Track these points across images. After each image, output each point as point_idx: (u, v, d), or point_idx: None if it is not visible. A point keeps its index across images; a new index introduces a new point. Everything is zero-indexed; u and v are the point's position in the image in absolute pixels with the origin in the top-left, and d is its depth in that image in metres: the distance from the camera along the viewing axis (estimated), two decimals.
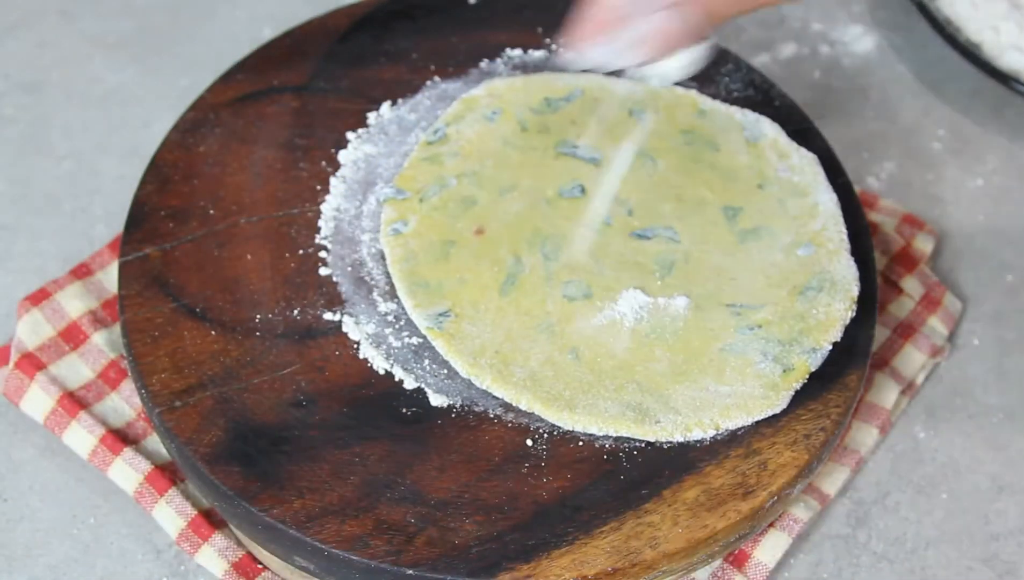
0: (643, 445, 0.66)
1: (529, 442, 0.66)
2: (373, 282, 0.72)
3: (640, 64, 0.65)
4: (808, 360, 0.68)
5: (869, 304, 0.72)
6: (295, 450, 0.65)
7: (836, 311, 0.70)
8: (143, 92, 0.93)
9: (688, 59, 0.66)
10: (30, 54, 0.95)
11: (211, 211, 0.74)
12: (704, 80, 0.82)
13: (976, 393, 0.80)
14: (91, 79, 0.93)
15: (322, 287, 0.71)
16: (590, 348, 0.68)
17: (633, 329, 0.69)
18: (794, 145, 0.78)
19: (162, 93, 0.93)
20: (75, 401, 0.74)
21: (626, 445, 0.66)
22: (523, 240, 0.72)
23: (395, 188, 0.75)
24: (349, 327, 0.70)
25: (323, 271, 0.72)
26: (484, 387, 0.67)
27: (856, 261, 0.72)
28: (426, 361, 0.69)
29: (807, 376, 0.68)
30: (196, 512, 0.70)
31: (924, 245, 0.85)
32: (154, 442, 0.74)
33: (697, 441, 0.66)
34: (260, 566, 0.70)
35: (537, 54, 0.83)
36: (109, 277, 0.79)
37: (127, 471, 0.72)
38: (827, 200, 0.75)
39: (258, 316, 0.70)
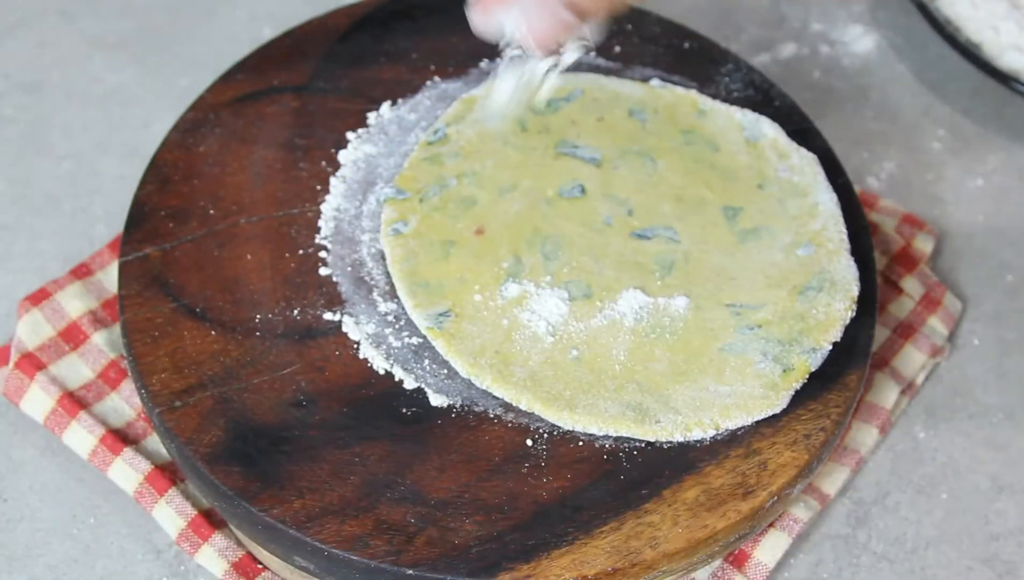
0: (643, 445, 0.66)
1: (529, 442, 0.66)
2: (373, 282, 0.72)
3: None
4: (808, 360, 0.68)
5: (869, 304, 0.72)
6: (295, 450, 0.65)
7: (836, 311, 0.70)
8: (143, 92, 0.93)
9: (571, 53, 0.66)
10: (30, 54, 0.95)
11: (211, 211, 0.74)
12: (704, 80, 0.82)
13: (976, 393, 0.80)
14: (91, 79, 0.93)
15: (322, 287, 0.71)
16: (590, 348, 0.68)
17: (633, 329, 0.69)
18: (794, 145, 0.78)
19: (162, 93, 0.92)
20: (75, 401, 0.74)
21: (626, 445, 0.66)
22: (523, 240, 0.72)
23: (395, 188, 0.75)
24: (349, 327, 0.70)
25: (323, 271, 0.72)
26: (484, 387, 0.67)
27: (856, 261, 0.72)
28: (426, 361, 0.69)
29: (807, 376, 0.68)
30: (196, 512, 0.70)
31: (924, 245, 0.85)
32: (154, 442, 0.74)
33: (697, 441, 0.66)
34: (260, 566, 0.70)
35: None
36: (109, 277, 0.79)
37: (127, 471, 0.72)
38: (827, 200, 0.75)
39: (258, 316, 0.70)
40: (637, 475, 0.65)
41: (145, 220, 0.73)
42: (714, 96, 0.81)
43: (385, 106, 0.80)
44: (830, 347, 0.69)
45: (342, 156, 0.77)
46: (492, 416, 0.67)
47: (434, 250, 0.72)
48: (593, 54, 0.83)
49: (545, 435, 0.66)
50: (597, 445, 0.66)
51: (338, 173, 0.76)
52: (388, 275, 0.72)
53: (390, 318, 0.70)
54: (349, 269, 0.72)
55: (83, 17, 0.97)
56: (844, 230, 0.74)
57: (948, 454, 0.78)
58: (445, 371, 0.68)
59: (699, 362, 0.68)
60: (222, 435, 0.65)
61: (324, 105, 0.79)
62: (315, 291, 0.71)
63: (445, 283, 0.70)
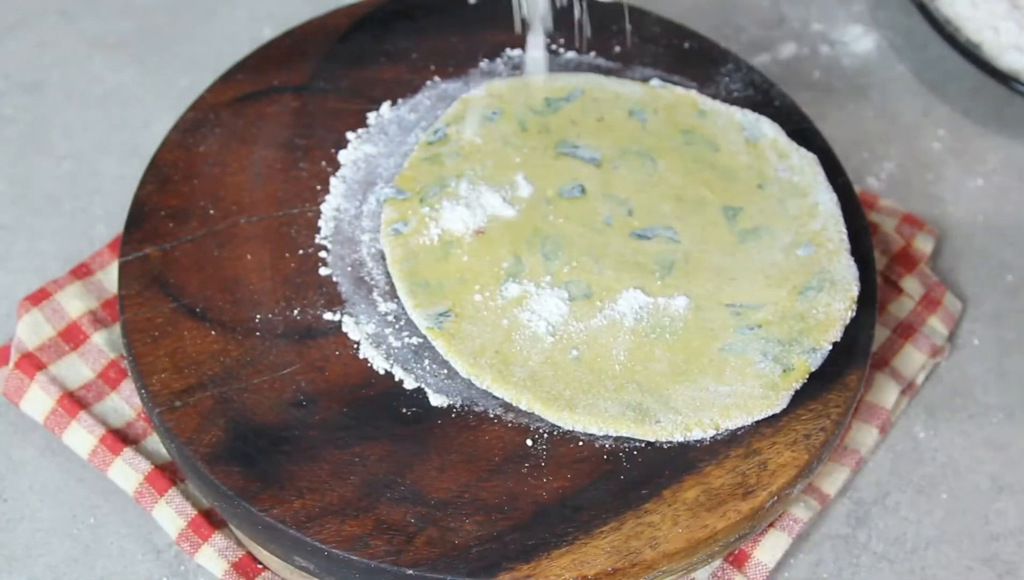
0: (643, 445, 0.66)
1: (529, 442, 0.66)
2: (373, 282, 0.72)
3: None
4: (808, 360, 0.68)
5: (869, 304, 0.72)
6: (295, 450, 0.65)
7: (836, 311, 0.70)
8: (143, 92, 0.93)
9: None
10: (30, 54, 0.95)
11: (211, 211, 0.74)
12: (704, 80, 0.82)
13: (976, 393, 0.80)
14: (91, 79, 0.93)
15: (322, 287, 0.71)
16: (590, 348, 0.68)
17: (633, 329, 0.69)
18: (794, 145, 0.78)
19: (162, 93, 0.93)
20: (75, 401, 0.74)
21: (626, 445, 0.66)
22: (523, 240, 0.72)
23: (395, 188, 0.75)
24: (349, 327, 0.70)
25: (323, 271, 0.72)
26: (484, 387, 0.67)
27: (856, 261, 0.72)
28: (426, 361, 0.69)
29: (807, 376, 0.68)
30: (196, 512, 0.70)
31: (924, 245, 0.85)
32: (154, 442, 0.74)
33: (697, 441, 0.66)
34: (260, 566, 0.70)
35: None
36: (109, 277, 0.79)
37: (127, 471, 0.72)
38: (827, 200, 0.75)
39: (258, 316, 0.70)
40: (637, 475, 0.65)
41: (145, 220, 0.73)
42: (714, 96, 0.81)
43: (385, 106, 0.80)
44: (830, 347, 0.69)
45: (342, 156, 0.77)
46: (492, 416, 0.67)
47: (434, 250, 0.72)
48: (593, 54, 0.83)
49: (545, 435, 0.66)
50: (597, 445, 0.66)
51: (338, 173, 0.76)
52: (388, 275, 0.72)
53: (390, 318, 0.70)
54: (349, 269, 0.72)
55: (83, 17, 0.97)
56: (844, 230, 0.74)
57: (948, 454, 0.78)
58: (445, 371, 0.68)
59: (699, 362, 0.68)
60: (222, 435, 0.65)
61: (324, 105, 0.79)
62: (315, 291, 0.71)
63: (445, 283, 0.71)
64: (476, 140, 0.76)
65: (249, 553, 0.70)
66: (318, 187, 0.76)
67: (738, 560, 0.71)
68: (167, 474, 0.71)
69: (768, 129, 0.78)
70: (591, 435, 0.66)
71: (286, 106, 0.79)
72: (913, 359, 0.80)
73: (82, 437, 0.73)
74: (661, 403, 0.66)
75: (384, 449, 0.65)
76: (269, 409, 0.66)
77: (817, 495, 0.74)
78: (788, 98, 0.82)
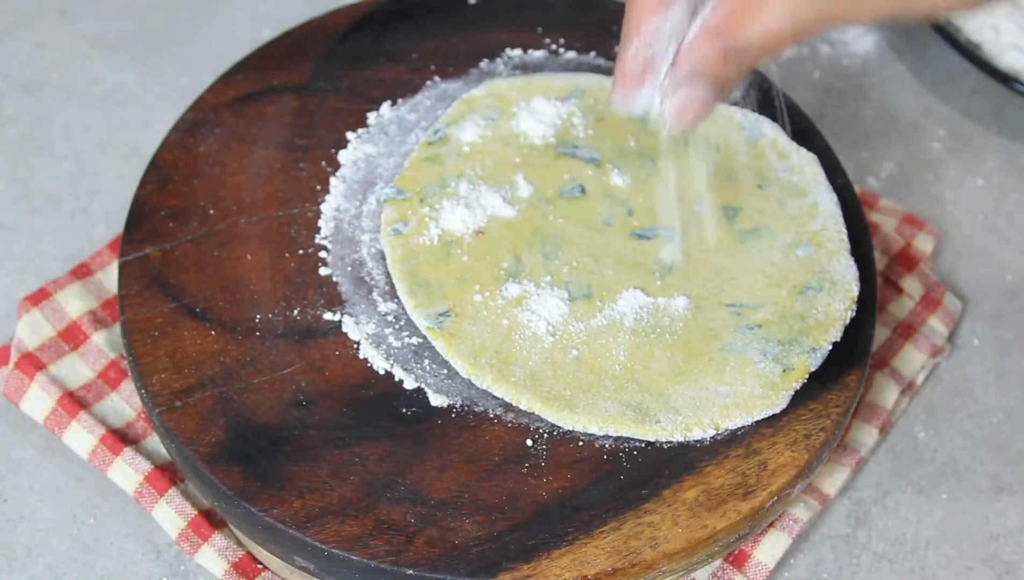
0: (643, 445, 0.66)
1: (529, 442, 0.66)
2: (373, 282, 0.72)
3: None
4: (808, 360, 0.68)
5: (869, 304, 0.72)
6: (295, 450, 0.65)
7: (836, 311, 0.70)
8: (143, 92, 0.93)
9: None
10: (30, 54, 0.95)
11: (211, 211, 0.74)
12: None
13: (976, 393, 0.80)
14: (91, 79, 0.93)
15: (322, 287, 0.71)
16: (590, 348, 0.68)
17: (633, 329, 0.69)
18: (794, 145, 0.78)
19: (162, 93, 0.93)
20: (75, 401, 0.74)
21: (626, 445, 0.66)
22: (523, 240, 0.72)
23: (395, 188, 0.75)
24: (349, 327, 0.70)
25: (323, 271, 0.72)
26: (484, 387, 0.67)
27: (856, 261, 0.72)
28: (426, 361, 0.69)
29: (807, 376, 0.68)
30: (196, 512, 0.70)
31: (924, 245, 0.85)
32: (154, 442, 0.74)
33: (697, 441, 0.66)
34: (260, 566, 0.70)
35: (537, 54, 0.83)
36: (109, 277, 0.79)
37: (127, 471, 0.72)
38: (827, 200, 0.75)
39: (258, 316, 0.70)
40: (637, 475, 0.65)
41: (145, 220, 0.73)
42: None
43: (385, 106, 0.80)
44: (830, 347, 0.69)
45: (342, 156, 0.77)
46: (492, 416, 0.67)
47: (434, 250, 0.72)
48: (593, 53, 0.83)
49: (545, 435, 0.66)
50: (597, 445, 0.66)
51: (338, 173, 0.76)
52: (388, 275, 0.72)
53: (390, 318, 0.70)
54: (349, 269, 0.72)
55: (83, 17, 0.97)
56: (844, 230, 0.74)
57: (948, 454, 0.78)
58: (445, 371, 0.68)
59: (699, 362, 0.68)
60: (222, 435, 0.65)
61: (324, 105, 0.79)
62: (315, 291, 0.71)
63: (445, 283, 0.71)
64: (476, 140, 0.76)
65: (249, 553, 0.70)
66: (318, 187, 0.76)
67: (738, 560, 0.71)
68: (167, 474, 0.71)
69: (768, 129, 0.78)
70: (591, 435, 0.66)
71: (286, 106, 0.79)
72: (913, 359, 0.80)
73: (82, 437, 0.73)
74: (661, 403, 0.66)
75: (384, 449, 0.65)
76: (269, 409, 0.66)
77: (817, 495, 0.74)
78: (788, 98, 0.82)
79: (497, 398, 0.67)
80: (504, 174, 0.75)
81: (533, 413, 0.67)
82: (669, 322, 0.69)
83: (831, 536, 0.74)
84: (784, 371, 0.68)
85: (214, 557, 0.69)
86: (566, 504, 0.64)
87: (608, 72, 0.82)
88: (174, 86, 0.93)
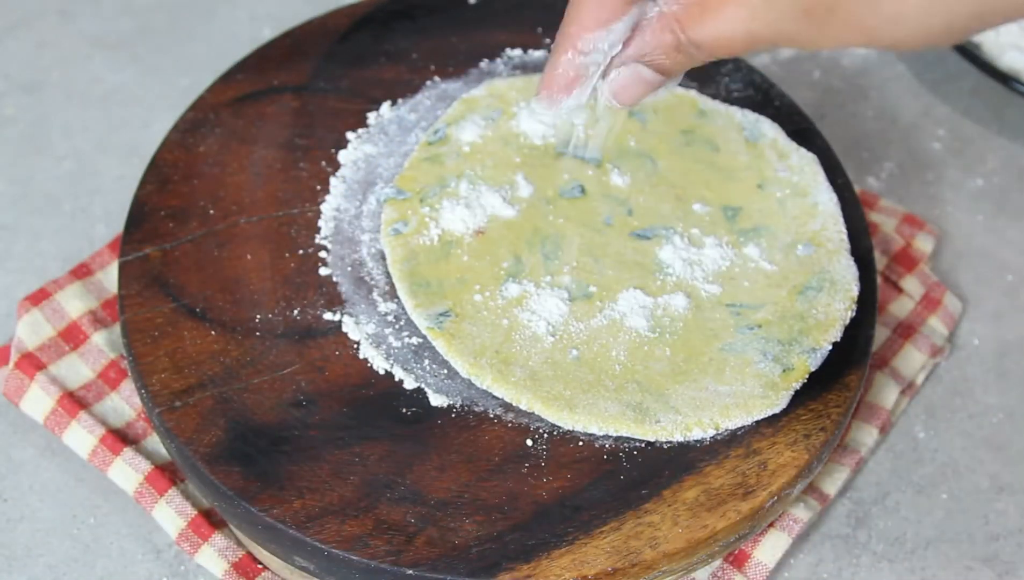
0: (643, 445, 0.66)
1: (529, 442, 0.66)
2: (373, 282, 0.72)
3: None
4: (808, 360, 0.68)
5: (869, 304, 0.72)
6: (295, 450, 0.65)
7: (836, 311, 0.70)
8: (143, 92, 0.93)
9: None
10: (30, 54, 0.95)
11: (211, 211, 0.74)
12: (704, 80, 0.82)
13: (976, 393, 0.80)
14: (91, 79, 0.93)
15: (322, 287, 0.71)
16: (590, 348, 0.68)
17: (633, 329, 0.69)
18: (794, 145, 0.78)
19: (162, 93, 0.93)
20: (75, 401, 0.74)
21: (626, 445, 0.66)
22: (523, 240, 0.72)
23: (395, 188, 0.75)
24: (349, 327, 0.70)
25: (323, 271, 0.72)
26: (484, 387, 0.67)
27: (856, 261, 0.72)
28: (426, 361, 0.69)
29: (807, 376, 0.68)
30: (196, 512, 0.70)
31: (924, 245, 0.85)
32: (154, 442, 0.74)
33: (697, 441, 0.66)
34: (260, 566, 0.70)
35: (537, 54, 0.83)
36: (109, 277, 0.79)
37: (127, 471, 0.72)
38: (827, 200, 0.75)
39: (258, 316, 0.70)
40: (637, 475, 0.65)
41: (145, 220, 0.73)
42: (714, 96, 0.81)
43: (385, 106, 0.80)
44: (830, 347, 0.69)
45: (342, 156, 0.77)
46: (492, 416, 0.67)
47: (434, 250, 0.72)
48: None
49: (545, 435, 0.66)
50: (597, 445, 0.66)
51: (338, 173, 0.76)
52: (388, 275, 0.72)
53: (390, 318, 0.70)
54: (349, 269, 0.72)
55: (83, 17, 0.97)
56: (844, 230, 0.74)
57: (948, 454, 0.78)
58: (445, 371, 0.68)
59: (699, 362, 0.68)
60: (222, 435, 0.65)
61: (324, 105, 0.79)
62: (315, 291, 0.71)
63: (445, 283, 0.71)
64: (476, 140, 0.76)
65: (249, 553, 0.70)
66: (318, 187, 0.76)
67: (738, 560, 0.71)
68: (167, 474, 0.71)
69: (768, 129, 0.78)
70: (591, 435, 0.66)
71: (286, 106, 0.79)
72: (913, 359, 0.80)
73: (82, 437, 0.73)
74: (661, 403, 0.66)
75: (384, 449, 0.65)
76: (269, 409, 0.66)
77: (817, 495, 0.74)
78: (788, 98, 0.82)
79: (497, 398, 0.67)
80: (504, 174, 0.75)
81: (533, 413, 0.67)
82: (669, 322, 0.69)
83: (831, 536, 0.74)
84: (784, 371, 0.68)
85: (214, 557, 0.69)
86: (566, 504, 0.64)
87: None
88: (174, 86, 0.93)
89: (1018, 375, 0.81)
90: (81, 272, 0.79)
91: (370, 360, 0.68)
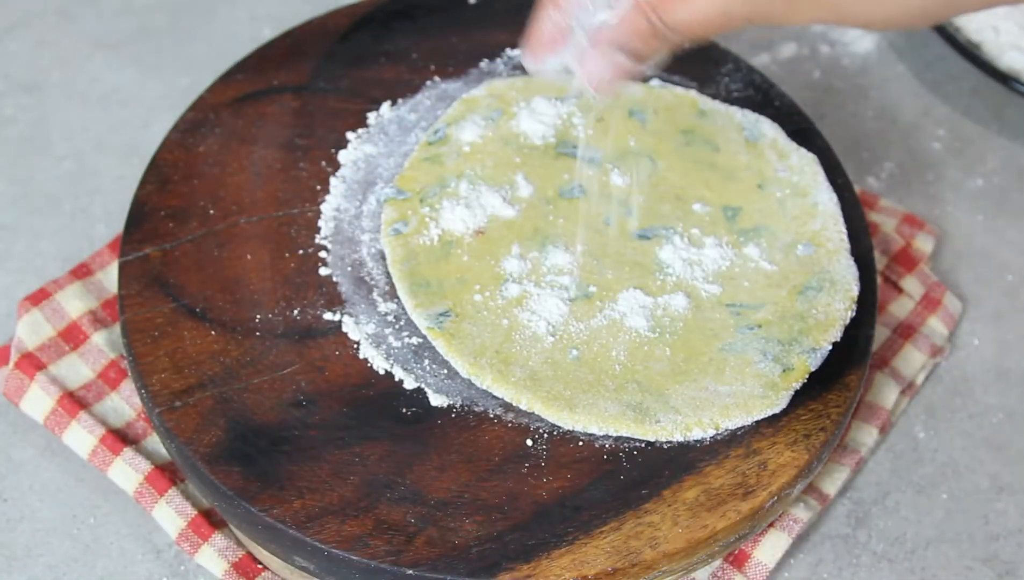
0: (643, 445, 0.66)
1: (529, 442, 0.66)
2: (373, 282, 0.72)
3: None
4: (808, 360, 0.68)
5: (869, 304, 0.72)
6: (295, 450, 0.65)
7: (836, 311, 0.70)
8: (143, 92, 0.93)
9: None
10: (30, 54, 0.95)
11: (211, 211, 0.74)
12: (704, 80, 0.82)
13: (976, 393, 0.80)
14: (91, 79, 0.93)
15: (322, 287, 0.71)
16: (590, 348, 0.68)
17: (633, 329, 0.69)
18: (794, 145, 0.78)
19: (162, 93, 0.93)
20: (75, 401, 0.74)
21: (626, 445, 0.66)
22: (523, 240, 0.72)
23: (395, 188, 0.75)
24: (349, 327, 0.70)
25: (323, 271, 0.72)
26: (484, 387, 0.67)
27: (856, 261, 0.72)
28: (426, 361, 0.69)
29: (807, 376, 0.68)
30: (196, 512, 0.70)
31: (924, 245, 0.85)
32: (154, 442, 0.74)
33: (697, 441, 0.66)
34: (260, 566, 0.70)
35: None
36: (109, 277, 0.79)
37: (127, 471, 0.72)
38: (827, 200, 0.75)
39: (258, 316, 0.70)
40: (637, 475, 0.65)
41: (145, 220, 0.73)
42: (714, 96, 0.81)
43: (385, 106, 0.80)
44: (830, 347, 0.69)
45: (342, 156, 0.77)
46: (492, 416, 0.67)
47: (434, 250, 0.72)
48: None
49: (545, 435, 0.66)
50: (597, 445, 0.66)
51: (338, 173, 0.76)
52: (388, 275, 0.72)
53: (390, 318, 0.70)
54: (349, 269, 0.72)
55: (83, 17, 0.97)
56: (844, 230, 0.74)
57: (948, 454, 0.78)
58: (445, 371, 0.68)
59: (699, 362, 0.68)
60: (222, 435, 0.65)
61: (324, 105, 0.79)
62: (315, 291, 0.71)
63: (445, 283, 0.71)
64: (476, 140, 0.76)
65: (249, 553, 0.70)
66: (318, 187, 0.76)
67: (738, 560, 0.71)
68: (167, 474, 0.71)
69: (768, 129, 0.78)
70: (591, 435, 0.66)
71: (286, 106, 0.79)
72: (913, 359, 0.80)
73: (82, 437, 0.73)
74: (661, 403, 0.66)
75: (384, 449, 0.65)
76: (269, 409, 0.66)
77: (817, 495, 0.74)
78: (788, 98, 0.82)
79: (497, 398, 0.67)
80: (504, 174, 0.75)
81: (533, 413, 0.67)
82: (669, 322, 0.69)
83: (831, 536, 0.74)
84: (784, 371, 0.68)
85: (214, 557, 0.69)
86: (566, 504, 0.64)
87: None
88: (174, 86, 0.93)
89: (1018, 375, 0.81)
90: (81, 272, 0.79)
91: (370, 360, 0.68)
